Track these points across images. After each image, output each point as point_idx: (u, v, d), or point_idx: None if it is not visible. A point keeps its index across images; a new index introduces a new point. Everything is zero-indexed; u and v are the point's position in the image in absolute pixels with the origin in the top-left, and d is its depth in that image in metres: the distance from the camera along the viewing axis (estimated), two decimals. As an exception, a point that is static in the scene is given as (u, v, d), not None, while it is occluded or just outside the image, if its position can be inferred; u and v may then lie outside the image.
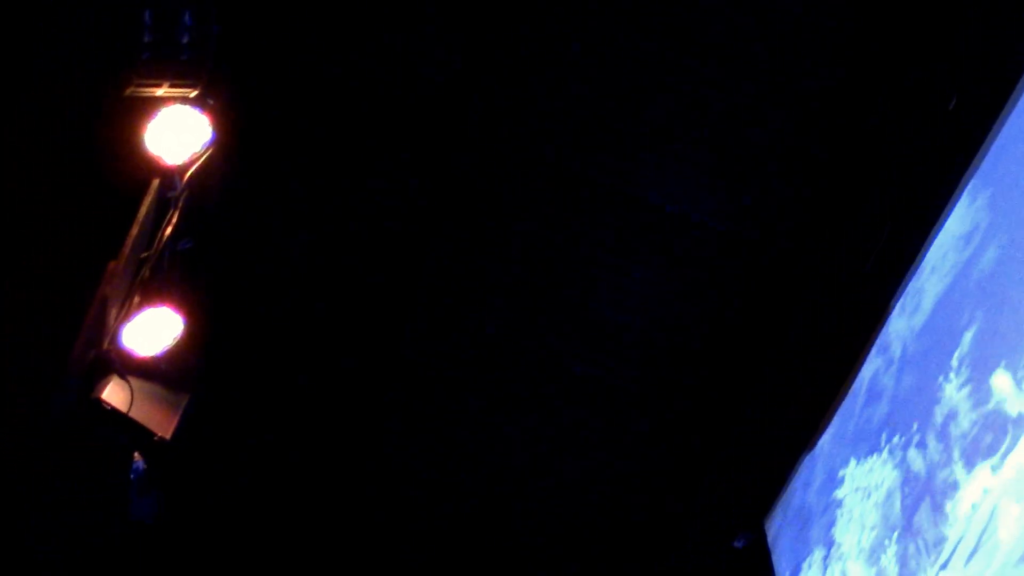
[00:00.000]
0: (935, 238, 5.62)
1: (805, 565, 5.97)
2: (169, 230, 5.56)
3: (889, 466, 5.50)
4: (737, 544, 6.57)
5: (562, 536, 7.24)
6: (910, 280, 5.80)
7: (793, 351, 6.28)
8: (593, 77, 5.93)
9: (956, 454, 4.87)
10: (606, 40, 5.84)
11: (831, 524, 5.89)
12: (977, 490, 4.61)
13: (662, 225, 6.21)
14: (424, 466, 7.11)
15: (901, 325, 5.77)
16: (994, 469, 4.52)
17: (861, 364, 6.06)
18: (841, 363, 6.16)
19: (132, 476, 6.08)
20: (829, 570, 5.78)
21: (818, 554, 5.94)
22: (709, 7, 5.66)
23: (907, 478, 5.29)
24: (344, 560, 7.23)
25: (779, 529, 6.35)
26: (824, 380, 6.24)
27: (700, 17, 5.68)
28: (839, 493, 5.93)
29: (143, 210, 5.49)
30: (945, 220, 5.56)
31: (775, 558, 6.20)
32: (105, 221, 5.52)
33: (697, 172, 6.08)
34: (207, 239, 5.68)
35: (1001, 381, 4.65)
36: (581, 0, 5.80)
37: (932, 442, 5.13)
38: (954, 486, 4.80)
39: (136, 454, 5.98)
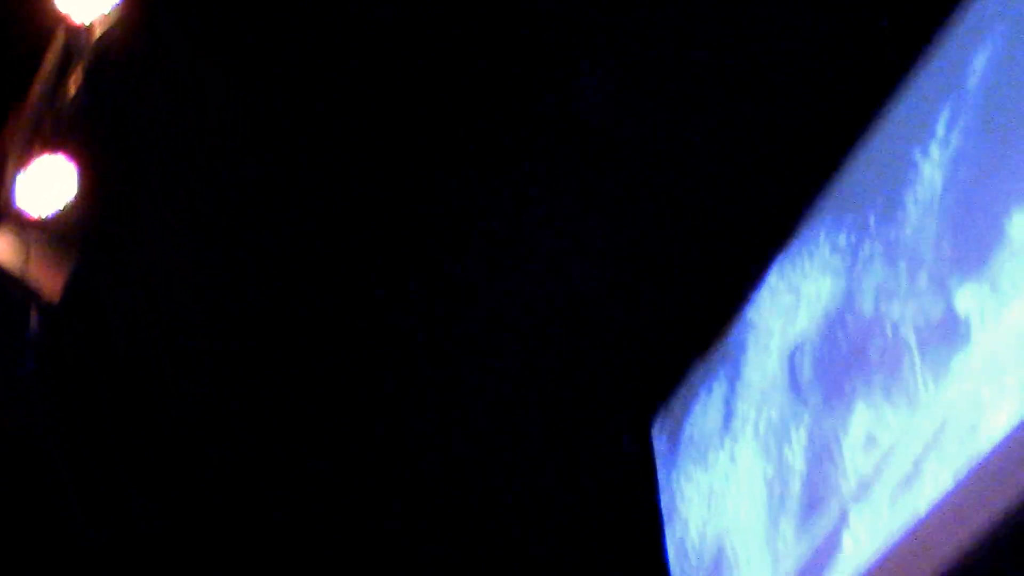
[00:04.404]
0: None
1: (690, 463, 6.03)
2: (73, 89, 5.50)
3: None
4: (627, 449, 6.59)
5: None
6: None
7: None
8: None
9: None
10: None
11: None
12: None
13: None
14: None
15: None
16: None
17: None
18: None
19: (28, 335, 6.06)
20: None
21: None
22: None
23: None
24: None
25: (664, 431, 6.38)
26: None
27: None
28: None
29: (47, 65, 5.44)
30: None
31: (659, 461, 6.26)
32: (6, 77, 5.48)
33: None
34: (112, 99, 5.59)
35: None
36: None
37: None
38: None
39: (32, 312, 5.95)
